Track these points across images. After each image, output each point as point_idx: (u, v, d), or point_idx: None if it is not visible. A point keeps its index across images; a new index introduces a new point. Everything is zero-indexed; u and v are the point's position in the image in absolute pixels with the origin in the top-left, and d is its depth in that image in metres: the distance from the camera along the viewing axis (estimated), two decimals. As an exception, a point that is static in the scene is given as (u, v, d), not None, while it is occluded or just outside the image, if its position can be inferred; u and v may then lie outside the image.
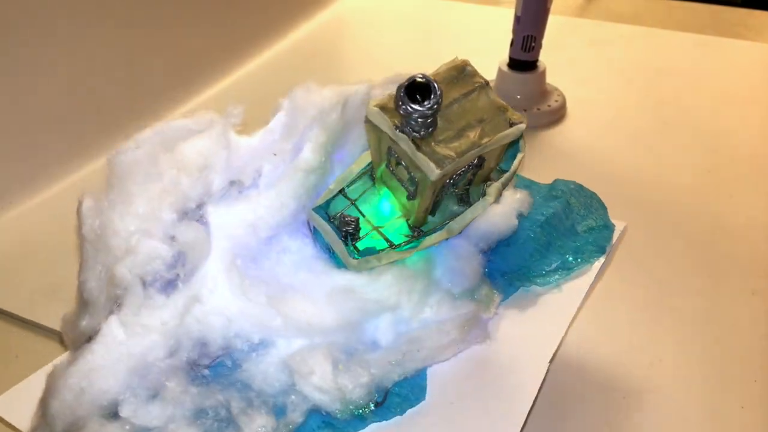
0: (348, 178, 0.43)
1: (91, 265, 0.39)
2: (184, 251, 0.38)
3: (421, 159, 0.36)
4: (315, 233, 0.42)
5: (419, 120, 0.35)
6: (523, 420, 0.39)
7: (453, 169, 0.37)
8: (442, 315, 0.43)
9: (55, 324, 0.48)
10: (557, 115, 0.74)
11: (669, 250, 0.56)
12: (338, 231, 0.41)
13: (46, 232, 0.59)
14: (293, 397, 0.39)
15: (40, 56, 0.62)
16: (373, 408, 0.40)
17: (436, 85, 0.35)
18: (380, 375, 0.40)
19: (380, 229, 0.42)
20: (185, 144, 0.40)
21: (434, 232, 0.43)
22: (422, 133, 0.36)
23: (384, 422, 0.39)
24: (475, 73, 0.40)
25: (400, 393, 0.41)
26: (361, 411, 0.39)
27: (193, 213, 0.40)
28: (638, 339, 0.47)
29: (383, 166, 0.40)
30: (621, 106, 0.79)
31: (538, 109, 0.73)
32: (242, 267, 0.40)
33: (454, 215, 0.43)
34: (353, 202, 0.42)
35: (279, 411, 0.39)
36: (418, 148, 0.36)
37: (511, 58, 0.73)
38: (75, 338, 0.40)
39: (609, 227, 0.52)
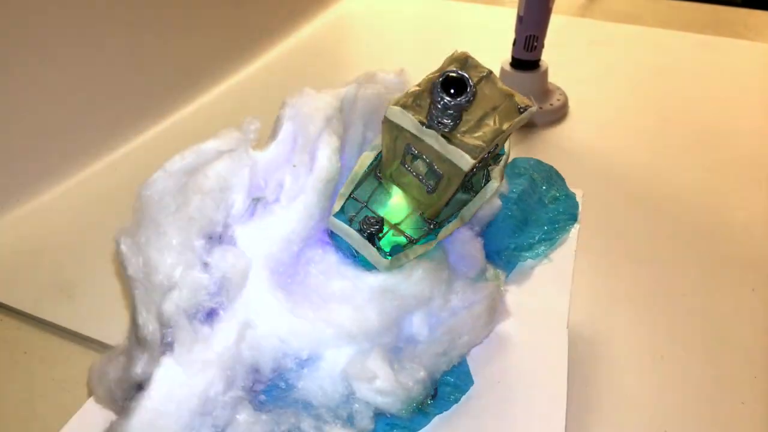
0: (354, 180, 0.43)
1: (146, 306, 0.36)
2: (225, 277, 0.37)
3: (453, 151, 0.37)
4: (335, 240, 0.42)
5: (452, 113, 0.36)
6: (565, 384, 0.42)
7: (481, 158, 0.38)
8: (467, 300, 0.44)
9: (63, 321, 0.49)
10: (559, 114, 0.75)
11: (669, 248, 0.56)
12: (362, 234, 0.41)
13: (54, 230, 0.59)
14: (356, 405, 0.39)
15: (47, 57, 0.62)
16: (430, 401, 0.41)
17: (468, 77, 0.36)
18: (431, 368, 0.41)
19: (398, 227, 0.43)
20: (207, 167, 0.39)
21: (448, 222, 0.43)
22: (449, 126, 0.37)
23: (445, 412, 0.41)
24: (477, 64, 0.41)
25: (449, 382, 0.42)
26: (420, 407, 0.40)
27: (223, 236, 0.38)
28: (640, 336, 0.48)
29: (396, 163, 0.41)
30: (622, 104, 0.79)
31: (541, 107, 0.74)
32: (284, 284, 0.39)
33: (462, 203, 0.44)
34: (365, 204, 0.43)
35: (347, 422, 0.39)
36: (449, 141, 0.37)
37: (513, 58, 0.73)
38: (110, 389, 0.38)
39: (571, 196, 0.56)
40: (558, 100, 0.75)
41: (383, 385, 0.38)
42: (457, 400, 0.41)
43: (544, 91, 0.75)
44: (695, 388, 0.44)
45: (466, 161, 0.37)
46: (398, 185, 0.43)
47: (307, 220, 0.40)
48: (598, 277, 0.53)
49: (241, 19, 0.87)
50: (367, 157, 0.44)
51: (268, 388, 0.39)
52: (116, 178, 0.66)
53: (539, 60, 0.73)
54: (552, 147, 0.70)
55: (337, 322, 0.39)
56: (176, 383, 0.34)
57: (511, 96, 0.40)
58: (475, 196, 0.43)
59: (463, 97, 0.36)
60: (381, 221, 0.41)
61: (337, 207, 0.42)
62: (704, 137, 0.72)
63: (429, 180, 0.40)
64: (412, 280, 0.41)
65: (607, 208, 0.61)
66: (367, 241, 0.40)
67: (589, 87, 0.81)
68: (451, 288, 0.43)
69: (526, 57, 0.72)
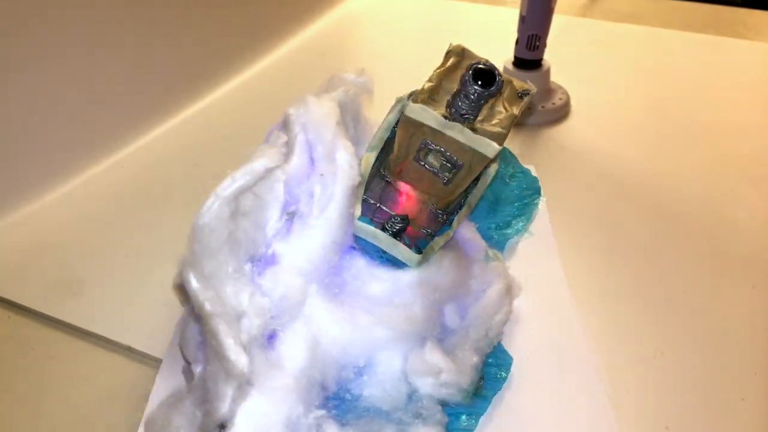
0: (362, 183, 0.43)
1: (234, 339, 0.34)
2: (284, 297, 0.36)
3: (479, 140, 0.38)
4: (360, 243, 0.42)
5: (482, 104, 0.37)
6: (587, 347, 0.46)
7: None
8: (485, 282, 0.45)
9: (71, 318, 0.50)
10: (561, 113, 0.75)
11: (670, 245, 0.56)
12: (389, 234, 0.42)
13: (61, 227, 0.59)
14: (423, 401, 0.39)
15: (56, 56, 0.63)
16: (482, 384, 0.42)
17: (496, 68, 0.37)
18: (478, 352, 0.42)
19: (415, 222, 0.43)
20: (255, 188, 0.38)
21: (457, 210, 0.44)
22: (472, 117, 0.38)
23: (499, 392, 0.42)
24: (474, 55, 0.42)
25: (491, 363, 0.44)
26: (476, 391, 0.41)
27: (267, 256, 0.38)
28: (640, 332, 0.48)
29: (409, 160, 0.41)
30: (623, 103, 0.79)
31: (543, 106, 0.74)
32: (332, 295, 0.39)
33: (467, 191, 0.44)
34: (379, 204, 0.43)
35: (425, 420, 0.39)
36: (475, 131, 0.38)
37: (516, 57, 0.73)
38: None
39: (527, 172, 0.59)
40: (560, 99, 0.76)
41: (447, 377, 0.39)
42: (505, 379, 0.43)
43: (546, 90, 0.76)
44: (695, 384, 0.44)
45: (493, 148, 0.38)
46: (407, 181, 0.43)
47: (343, 226, 0.39)
48: (599, 274, 0.53)
49: (247, 19, 0.87)
50: (369, 158, 0.44)
51: (336, 402, 0.39)
52: (123, 176, 0.66)
53: (541, 59, 0.74)
54: (554, 145, 0.71)
55: (390, 323, 0.39)
56: (260, 414, 0.34)
57: (510, 82, 0.41)
58: (477, 183, 0.44)
59: (494, 86, 0.37)
60: (406, 218, 0.42)
61: (357, 211, 0.42)
62: (704, 135, 0.72)
63: (444, 172, 0.40)
64: (442, 270, 0.42)
65: (607, 206, 0.61)
66: (396, 240, 0.41)
67: (591, 86, 0.82)
68: (470, 273, 0.45)
69: (529, 56, 0.73)
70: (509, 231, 0.55)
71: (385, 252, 0.41)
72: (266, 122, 0.46)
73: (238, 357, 0.33)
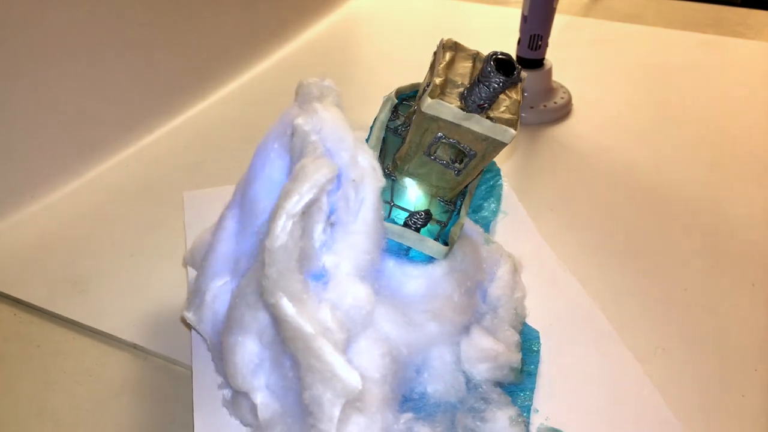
0: None
1: (341, 357, 0.34)
2: (355, 307, 0.36)
3: (497, 128, 0.38)
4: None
5: (499, 92, 0.38)
6: (598, 309, 0.48)
7: None
8: (494, 263, 0.46)
9: (76, 315, 0.50)
10: (563, 112, 0.76)
11: (671, 243, 0.57)
12: (415, 230, 0.42)
13: (67, 225, 0.60)
14: (483, 387, 0.40)
15: (60, 57, 0.63)
16: (523, 360, 0.43)
17: (513, 57, 0.38)
18: (516, 331, 0.44)
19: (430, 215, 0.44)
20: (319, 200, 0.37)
21: (460, 198, 0.44)
22: (488, 107, 0.38)
23: (541, 365, 0.44)
24: (464, 47, 0.43)
25: (523, 339, 0.45)
26: (522, 369, 0.43)
27: (320, 269, 0.37)
28: (641, 329, 0.48)
29: (419, 155, 0.42)
30: (625, 102, 0.80)
31: (545, 105, 0.74)
32: (383, 299, 0.38)
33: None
34: (392, 203, 0.43)
35: (492, 403, 0.40)
36: (492, 120, 0.38)
37: (518, 56, 0.74)
38: None
39: None
40: (562, 98, 0.76)
41: (502, 359, 0.40)
42: (539, 352, 0.45)
43: (548, 89, 0.76)
44: (696, 380, 0.45)
45: (510, 134, 0.39)
46: (414, 177, 0.43)
47: (380, 229, 0.39)
48: (601, 271, 0.54)
49: (250, 20, 0.88)
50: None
51: (409, 404, 0.39)
52: (128, 174, 0.67)
53: (543, 59, 0.74)
54: (556, 144, 0.71)
55: (441, 317, 0.39)
56: (360, 429, 0.34)
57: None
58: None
59: (515, 75, 0.38)
60: (429, 213, 0.42)
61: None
62: (705, 134, 0.73)
63: (455, 164, 0.41)
64: (466, 258, 0.43)
65: (608, 204, 0.61)
66: (423, 236, 0.41)
67: (593, 85, 0.82)
68: (481, 257, 0.45)
69: (531, 56, 0.73)
70: (486, 214, 0.56)
71: (409, 249, 0.42)
72: (269, 122, 0.46)
73: (349, 374, 0.32)
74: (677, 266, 0.54)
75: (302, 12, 0.97)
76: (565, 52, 0.84)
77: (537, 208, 0.61)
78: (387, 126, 0.45)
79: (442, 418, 0.38)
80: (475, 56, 0.42)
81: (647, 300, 0.51)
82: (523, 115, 0.40)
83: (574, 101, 0.78)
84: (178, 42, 0.77)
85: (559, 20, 0.72)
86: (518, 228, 0.56)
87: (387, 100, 0.46)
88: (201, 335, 0.44)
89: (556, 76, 0.77)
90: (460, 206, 0.44)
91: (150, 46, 0.73)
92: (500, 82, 0.37)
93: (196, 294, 0.43)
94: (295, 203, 0.33)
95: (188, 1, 0.77)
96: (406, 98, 0.47)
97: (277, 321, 0.34)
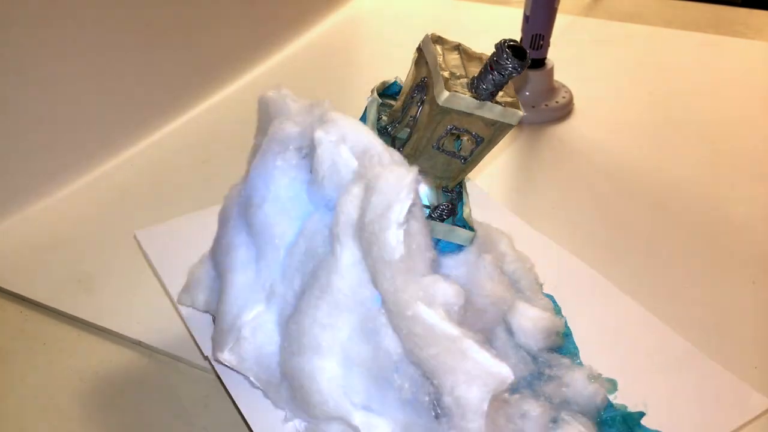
0: None
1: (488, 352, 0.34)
2: (446, 307, 0.35)
3: (508, 112, 0.39)
4: None
5: (512, 77, 0.38)
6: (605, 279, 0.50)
7: None
8: (491, 242, 0.47)
9: (81, 313, 0.50)
10: (564, 111, 0.76)
11: (672, 241, 0.57)
12: (442, 221, 0.42)
13: (72, 223, 0.60)
14: (543, 356, 0.42)
15: (66, 56, 0.63)
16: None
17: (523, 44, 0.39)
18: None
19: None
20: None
21: (459, 186, 0.45)
22: (495, 93, 0.39)
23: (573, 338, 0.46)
24: (447, 40, 0.44)
25: None
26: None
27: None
28: (642, 327, 0.49)
29: (428, 149, 0.42)
30: (626, 102, 0.80)
31: (546, 105, 0.75)
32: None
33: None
34: None
35: (560, 368, 0.42)
36: (502, 105, 0.39)
37: (519, 56, 0.74)
38: None
39: None
40: (563, 97, 0.76)
41: (551, 325, 0.42)
42: (563, 315, 0.47)
43: (549, 89, 0.76)
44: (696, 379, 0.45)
45: (518, 116, 0.40)
46: (420, 171, 0.44)
47: (426, 223, 0.38)
48: (603, 270, 0.54)
49: (254, 19, 0.88)
50: None
51: None
52: (133, 173, 0.67)
53: (545, 58, 0.74)
54: (557, 143, 0.71)
55: (498, 299, 0.41)
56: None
57: (487, 56, 0.42)
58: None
59: (527, 60, 0.38)
60: (451, 205, 0.43)
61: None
62: (706, 133, 0.73)
63: (463, 152, 0.42)
64: (489, 238, 0.44)
65: (610, 203, 0.62)
66: (451, 226, 0.42)
67: (594, 85, 0.82)
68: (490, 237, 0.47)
69: (533, 55, 0.73)
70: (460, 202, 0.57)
71: (438, 241, 0.42)
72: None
73: (500, 367, 0.32)
74: (678, 264, 0.55)
75: (306, 11, 0.97)
76: (567, 52, 0.84)
77: (539, 206, 0.61)
78: (379, 125, 0.46)
79: (535, 393, 0.40)
80: (458, 47, 0.43)
81: (647, 297, 0.51)
82: (524, 114, 0.40)
83: (575, 101, 0.78)
84: (183, 41, 0.77)
85: (560, 20, 0.72)
86: (486, 206, 0.57)
87: (372, 101, 0.46)
88: (243, 374, 0.41)
89: (558, 76, 0.77)
90: (461, 190, 0.45)
91: (154, 47, 0.73)
92: (516, 66, 0.38)
93: (227, 333, 0.40)
94: (400, 211, 0.33)
95: (192, 1, 0.78)
96: (384, 98, 0.48)
97: (411, 333, 0.33)
